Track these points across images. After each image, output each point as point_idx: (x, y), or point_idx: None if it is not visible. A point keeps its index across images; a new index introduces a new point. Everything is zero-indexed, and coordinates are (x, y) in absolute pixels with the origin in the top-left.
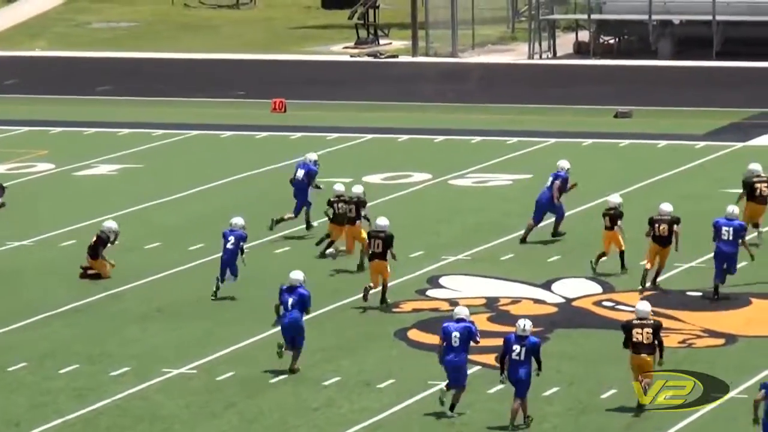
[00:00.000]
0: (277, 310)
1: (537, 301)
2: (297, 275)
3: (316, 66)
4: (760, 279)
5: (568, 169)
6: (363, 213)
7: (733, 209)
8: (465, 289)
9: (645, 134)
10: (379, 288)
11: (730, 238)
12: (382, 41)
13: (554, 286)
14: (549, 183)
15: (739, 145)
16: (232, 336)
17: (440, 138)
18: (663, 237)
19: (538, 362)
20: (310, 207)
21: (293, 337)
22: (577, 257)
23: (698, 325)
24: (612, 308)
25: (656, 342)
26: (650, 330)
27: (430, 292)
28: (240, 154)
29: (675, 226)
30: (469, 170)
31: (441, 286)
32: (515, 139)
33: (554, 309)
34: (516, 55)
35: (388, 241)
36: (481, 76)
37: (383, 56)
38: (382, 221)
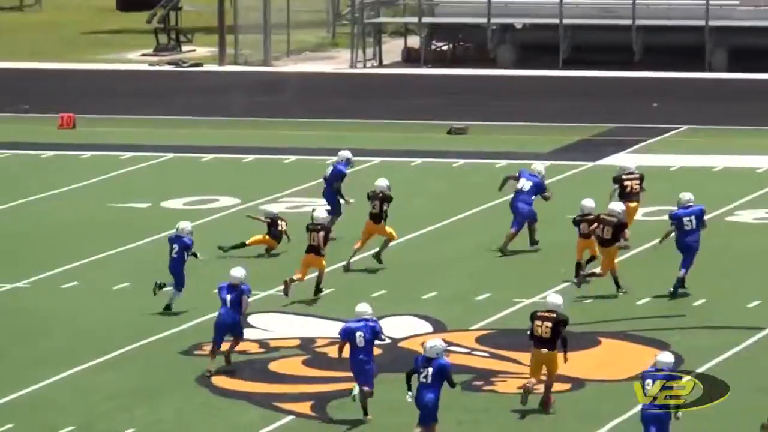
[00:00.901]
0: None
1: None
2: (238, 272)
3: (110, 76)
4: (610, 316)
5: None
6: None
7: (689, 196)
8: (277, 329)
9: (482, 153)
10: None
11: (694, 227)
12: (184, 48)
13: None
14: (527, 188)
15: (589, 164)
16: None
17: (250, 157)
18: (605, 239)
19: (451, 385)
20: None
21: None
22: (405, 291)
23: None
24: None
25: (558, 338)
26: (549, 324)
27: None
28: (23, 177)
29: (621, 233)
30: (282, 194)
31: (250, 326)
32: (334, 159)
33: (378, 351)
34: (337, 63)
35: (327, 233)
36: (298, 87)
37: (186, 65)
38: (320, 213)
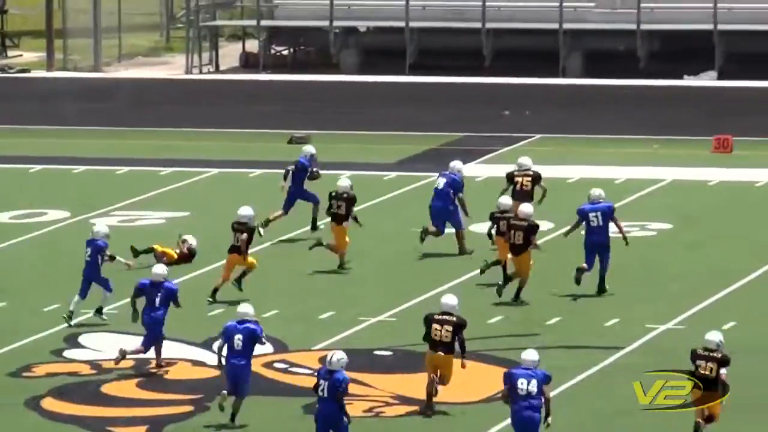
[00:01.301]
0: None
1: (195, 363)
2: (160, 269)
3: None
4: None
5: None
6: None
7: (599, 192)
8: (109, 349)
9: (324, 163)
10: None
11: (600, 223)
12: (10, 53)
13: (217, 344)
14: (441, 185)
15: (437, 175)
16: None
17: (80, 168)
18: (516, 245)
19: (341, 404)
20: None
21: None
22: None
23: (388, 391)
24: (285, 371)
25: (457, 341)
26: (450, 328)
27: (68, 353)
28: None
29: (532, 236)
30: (114, 207)
31: (81, 346)
32: (170, 170)
33: (216, 372)
34: (171, 68)
35: (251, 233)
36: (130, 93)
37: (12, 71)
38: (245, 211)
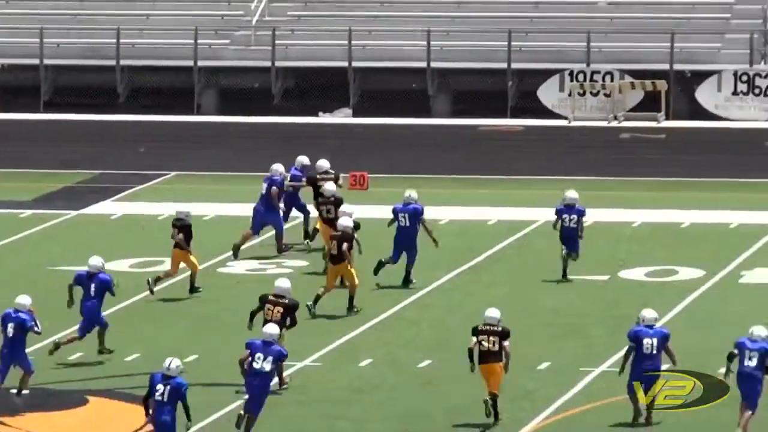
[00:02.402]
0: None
1: None
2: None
3: None
4: (97, 373)
5: (281, 172)
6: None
7: (409, 193)
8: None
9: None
10: None
11: (407, 223)
12: None
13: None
14: (264, 189)
15: (73, 213)
16: None
17: None
18: (334, 255)
19: (185, 408)
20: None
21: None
22: None
23: (25, 429)
24: None
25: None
26: (281, 309)
27: None
28: None
29: (345, 244)
30: None
31: None
32: None
33: None
34: None
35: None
36: None
37: None
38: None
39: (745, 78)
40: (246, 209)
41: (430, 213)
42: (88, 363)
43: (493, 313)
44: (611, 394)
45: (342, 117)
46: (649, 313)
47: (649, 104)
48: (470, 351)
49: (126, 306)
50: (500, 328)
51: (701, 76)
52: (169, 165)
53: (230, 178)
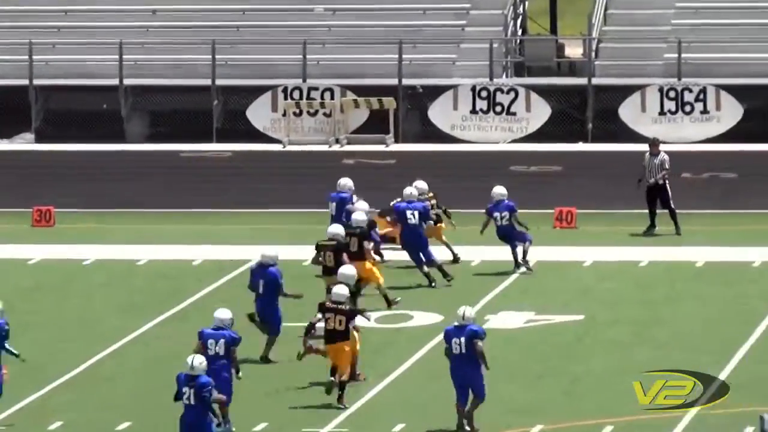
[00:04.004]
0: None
1: None
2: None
3: None
4: None
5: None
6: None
7: (410, 191)
8: None
9: None
10: None
11: (416, 221)
12: None
13: None
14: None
15: None
16: None
17: None
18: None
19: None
20: None
21: None
22: None
23: None
24: None
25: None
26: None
27: None
28: None
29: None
30: None
31: None
32: None
33: None
34: None
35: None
36: None
37: None
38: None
39: (484, 93)
40: None
41: (126, 252)
42: None
43: (341, 290)
44: None
45: (22, 143)
46: None
47: (376, 125)
48: (311, 325)
49: None
50: (347, 308)
51: (435, 92)
52: None
53: None
